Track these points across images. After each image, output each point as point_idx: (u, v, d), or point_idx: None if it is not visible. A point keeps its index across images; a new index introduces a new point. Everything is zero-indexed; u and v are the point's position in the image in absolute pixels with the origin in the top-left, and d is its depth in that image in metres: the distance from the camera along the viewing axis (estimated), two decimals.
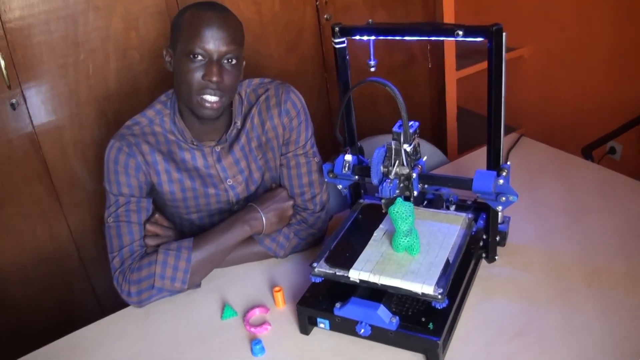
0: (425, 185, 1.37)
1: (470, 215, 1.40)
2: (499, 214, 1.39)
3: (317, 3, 2.42)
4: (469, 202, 1.53)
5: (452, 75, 2.96)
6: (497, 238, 1.43)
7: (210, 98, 1.41)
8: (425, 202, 1.52)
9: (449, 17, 2.79)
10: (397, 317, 1.20)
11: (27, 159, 1.99)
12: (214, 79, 1.38)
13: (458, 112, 3.08)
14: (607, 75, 2.83)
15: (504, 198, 1.28)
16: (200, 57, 1.38)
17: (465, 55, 3.08)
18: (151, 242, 1.48)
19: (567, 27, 2.95)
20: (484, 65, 3.03)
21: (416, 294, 1.19)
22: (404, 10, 2.71)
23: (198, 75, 1.39)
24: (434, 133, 3.11)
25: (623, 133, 2.50)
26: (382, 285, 1.21)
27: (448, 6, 2.77)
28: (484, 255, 1.45)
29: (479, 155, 1.96)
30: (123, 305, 1.48)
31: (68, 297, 2.23)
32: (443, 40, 2.82)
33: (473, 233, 1.39)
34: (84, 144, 2.08)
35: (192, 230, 1.64)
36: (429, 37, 1.32)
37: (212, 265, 1.49)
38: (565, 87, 3.08)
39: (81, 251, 2.21)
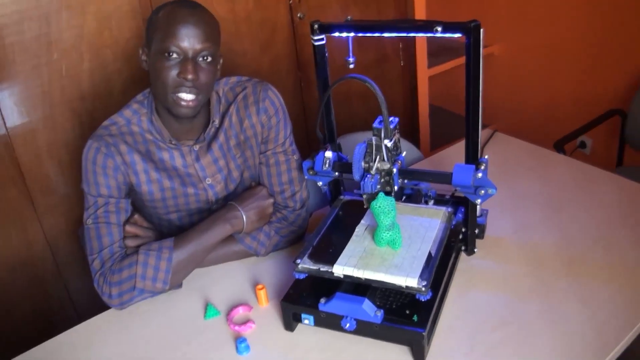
0: (405, 180, 1.38)
1: (449, 209, 1.42)
2: (478, 207, 1.41)
3: (290, 2, 2.43)
4: (447, 197, 1.55)
5: (423, 73, 2.99)
6: (476, 231, 1.46)
7: (186, 96, 1.40)
8: (404, 197, 1.54)
9: (420, 15, 2.82)
10: (382, 311, 1.21)
11: (1, 163, 1.96)
12: (189, 76, 1.37)
13: (429, 110, 3.11)
14: (577, 72, 2.89)
15: (482, 191, 1.30)
16: (175, 55, 1.37)
17: (435, 53, 3.12)
18: (131, 243, 1.47)
19: (537, 25, 3.00)
20: (454, 63, 3.11)
21: (400, 287, 1.20)
22: (376, 8, 2.73)
23: (173, 73, 1.38)
24: (407, 130, 3.13)
25: (593, 128, 2.55)
26: (366, 279, 1.22)
27: (419, 4, 2.80)
28: (463, 248, 1.47)
29: (453, 151, 1.99)
30: (100, 309, 1.46)
31: (44, 303, 2.20)
32: (414, 39, 2.85)
33: (452, 227, 1.41)
34: (57, 146, 2.05)
35: (171, 230, 1.62)
36: (407, 33, 1.33)
37: (193, 264, 1.48)
38: (535, 84, 3.13)
39: (56, 255, 2.18)
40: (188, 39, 1.36)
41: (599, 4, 2.68)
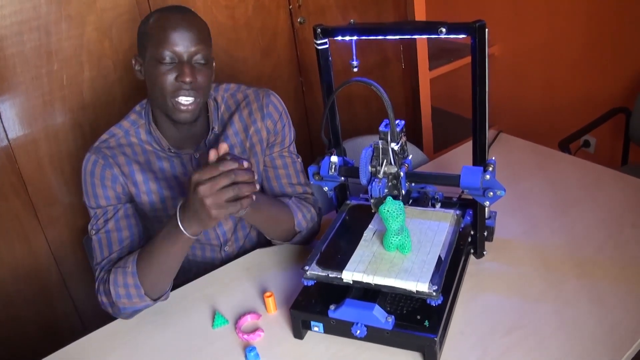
0: (412, 184, 1.37)
1: (458, 212, 1.41)
2: (486, 209, 1.40)
3: (290, 7, 2.42)
4: (454, 199, 1.53)
5: (425, 75, 2.98)
6: (485, 233, 1.44)
7: (185, 100, 1.39)
8: (411, 200, 1.52)
9: (420, 18, 2.81)
10: (393, 317, 1.19)
11: (3, 174, 1.95)
12: (187, 79, 1.36)
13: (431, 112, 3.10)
14: (579, 71, 2.88)
15: (491, 193, 1.29)
16: (170, 60, 1.37)
17: (435, 55, 3.11)
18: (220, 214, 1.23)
19: (537, 24, 2.99)
20: (455, 64, 3.10)
21: (411, 292, 1.18)
22: (376, 12, 2.71)
23: (170, 77, 1.38)
24: (409, 133, 3.11)
25: (597, 127, 2.54)
26: (376, 285, 1.21)
27: (419, 6, 2.79)
28: (472, 251, 1.46)
29: (458, 153, 1.98)
30: (105, 319, 1.45)
31: (50, 313, 2.19)
32: (415, 41, 2.84)
33: (461, 229, 1.40)
34: (59, 157, 2.04)
35: None
36: (411, 35, 1.32)
37: (166, 274, 1.37)
38: (537, 84, 3.12)
39: (61, 266, 2.17)
40: (182, 43, 1.36)
41: (599, 6, 2.67)
